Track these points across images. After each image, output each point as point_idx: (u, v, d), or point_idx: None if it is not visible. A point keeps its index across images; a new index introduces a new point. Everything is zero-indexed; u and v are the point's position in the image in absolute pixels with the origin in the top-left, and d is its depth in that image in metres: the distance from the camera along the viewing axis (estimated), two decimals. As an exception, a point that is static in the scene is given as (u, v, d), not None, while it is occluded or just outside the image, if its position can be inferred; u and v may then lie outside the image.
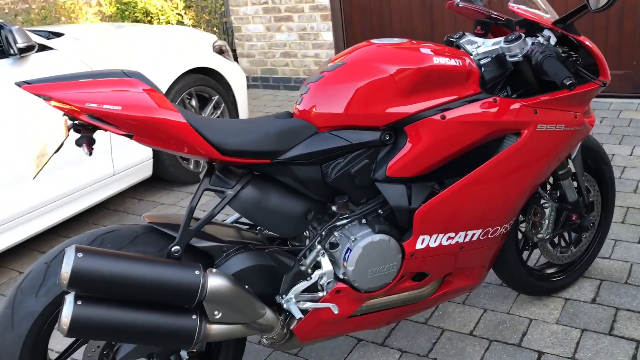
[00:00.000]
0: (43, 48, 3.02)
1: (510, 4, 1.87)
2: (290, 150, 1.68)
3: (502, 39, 1.87)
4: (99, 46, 3.31)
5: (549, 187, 2.21)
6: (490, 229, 1.91)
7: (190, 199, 1.63)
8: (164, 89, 3.56)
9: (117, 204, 3.75)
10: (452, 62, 1.75)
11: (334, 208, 1.78)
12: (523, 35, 1.83)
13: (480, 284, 2.08)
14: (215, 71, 3.98)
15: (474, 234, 1.89)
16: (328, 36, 5.63)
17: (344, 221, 1.78)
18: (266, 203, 1.69)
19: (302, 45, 5.82)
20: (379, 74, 1.70)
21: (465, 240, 1.89)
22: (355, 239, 1.75)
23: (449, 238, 1.85)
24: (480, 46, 1.93)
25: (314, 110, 1.72)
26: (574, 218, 2.21)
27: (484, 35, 2.10)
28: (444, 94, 1.75)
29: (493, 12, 2.08)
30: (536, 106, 1.83)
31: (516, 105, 1.81)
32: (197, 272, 1.52)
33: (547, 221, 2.14)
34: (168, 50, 3.63)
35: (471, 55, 1.90)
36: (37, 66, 2.93)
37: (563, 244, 2.33)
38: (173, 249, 1.59)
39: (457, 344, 2.17)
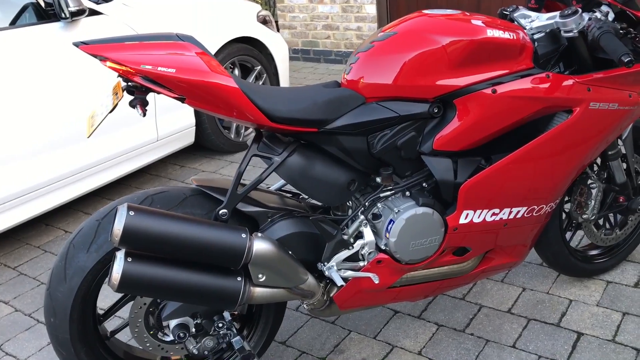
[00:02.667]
0: (93, 13, 3.06)
1: (570, -22, 1.82)
2: (337, 119, 1.69)
3: (557, 13, 1.82)
4: (147, 13, 3.34)
5: (596, 167, 2.17)
6: (536, 207, 1.89)
7: (239, 164, 1.65)
8: (208, 57, 3.58)
9: (160, 169, 3.82)
10: (506, 35, 1.72)
11: (378, 179, 1.78)
12: (580, 10, 1.78)
13: (521, 262, 2.06)
14: (259, 41, 3.98)
15: (518, 211, 1.87)
16: (371, 9, 5.57)
17: (388, 193, 1.78)
18: (311, 171, 1.70)
19: (344, 17, 5.77)
20: (431, 45, 1.68)
21: (510, 217, 1.87)
22: (398, 210, 1.75)
23: (493, 214, 1.84)
24: (534, 20, 1.89)
25: (362, 80, 1.71)
26: (621, 200, 2.17)
27: (538, 10, 2.05)
28: (496, 68, 1.72)
29: (549, -14, 2.03)
30: (589, 83, 1.79)
31: (569, 82, 1.77)
32: (243, 235, 1.55)
33: (593, 202, 2.10)
34: (213, 19, 3.64)
35: (525, 29, 1.86)
36: (87, 30, 2.98)
37: (608, 226, 2.29)
38: (221, 211, 1.62)
39: (494, 320, 2.17)
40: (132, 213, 1.44)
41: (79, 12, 2.80)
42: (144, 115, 1.50)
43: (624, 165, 2.17)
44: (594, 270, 2.30)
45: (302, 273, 1.68)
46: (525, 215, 1.89)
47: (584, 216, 2.13)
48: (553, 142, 1.79)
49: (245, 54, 3.87)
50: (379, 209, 1.79)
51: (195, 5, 3.62)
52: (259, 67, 3.98)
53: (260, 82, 4.03)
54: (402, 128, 1.73)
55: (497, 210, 1.84)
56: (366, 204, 1.78)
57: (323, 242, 1.75)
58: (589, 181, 2.10)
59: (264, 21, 4.08)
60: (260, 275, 1.60)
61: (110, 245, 1.59)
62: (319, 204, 1.85)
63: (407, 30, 1.72)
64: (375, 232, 1.80)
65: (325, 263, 1.75)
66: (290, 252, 1.68)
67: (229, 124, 3.86)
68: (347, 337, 2.16)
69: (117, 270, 1.46)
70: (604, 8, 1.84)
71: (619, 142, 2.09)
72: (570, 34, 1.77)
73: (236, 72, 3.85)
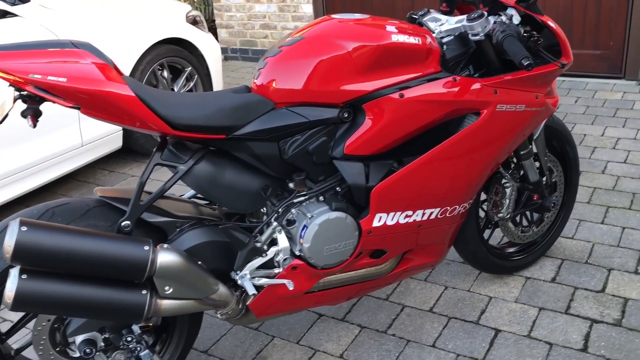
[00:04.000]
0: (5, 14, 2.94)
1: (473, -18, 1.85)
2: (246, 125, 1.66)
3: (465, 16, 1.85)
4: (68, 15, 3.23)
5: (512, 166, 2.21)
6: (449, 207, 1.92)
7: (141, 174, 1.60)
8: (134, 60, 3.50)
9: (88, 175, 3.71)
10: (412, 39, 1.73)
11: (291, 185, 1.77)
12: (485, 13, 1.81)
13: (441, 261, 2.09)
14: (189, 42, 3.91)
15: (431, 213, 1.89)
16: (308, 8, 5.55)
17: (301, 198, 1.77)
18: (221, 179, 1.67)
19: (281, 17, 5.74)
20: (337, 51, 1.68)
21: (423, 219, 1.89)
22: (311, 216, 1.74)
23: (407, 216, 1.86)
24: (444, 24, 1.91)
25: (271, 85, 1.70)
26: (535, 198, 2.23)
27: (449, 13, 2.08)
28: (402, 72, 1.73)
29: (459, -11, 2.05)
30: (496, 86, 1.82)
31: (476, 85, 1.80)
32: (146, 248, 1.51)
33: (507, 201, 2.15)
34: (139, 20, 3.56)
35: (433, 33, 1.88)
36: (4, 32, 2.86)
37: (525, 223, 2.35)
38: (123, 223, 1.58)
39: (416, 320, 2.19)
40: (24, 228, 1.39)
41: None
42: (34, 126, 1.44)
43: (538, 164, 2.23)
44: (513, 267, 2.35)
45: (212, 283, 1.65)
46: (438, 216, 1.92)
47: (500, 215, 2.17)
48: (462, 144, 1.82)
49: (175, 55, 3.80)
50: (293, 215, 1.78)
51: (121, 7, 3.53)
52: (190, 68, 3.91)
53: (192, 84, 3.97)
54: (313, 133, 1.73)
55: (410, 212, 1.85)
56: (279, 210, 1.76)
57: (235, 251, 1.73)
58: (503, 181, 2.14)
59: (194, 22, 4.01)
60: (166, 288, 1.57)
61: (5, 262, 1.52)
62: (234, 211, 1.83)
63: (314, 36, 1.72)
64: (290, 238, 1.78)
65: (238, 272, 1.73)
66: (199, 263, 1.65)
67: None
68: (270, 343, 2.14)
69: (10, 289, 1.40)
70: (510, 11, 1.87)
71: (531, 142, 2.14)
72: (477, 37, 1.80)
73: (165, 73, 3.77)
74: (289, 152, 1.72)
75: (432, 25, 1.93)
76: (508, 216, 2.17)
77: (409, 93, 1.73)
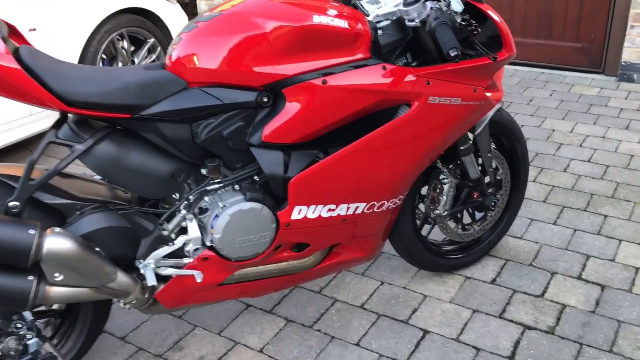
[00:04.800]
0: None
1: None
2: (154, 105, 1.56)
3: (401, 0, 1.74)
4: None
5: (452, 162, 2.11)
6: (376, 202, 1.82)
7: (33, 152, 1.50)
8: (90, 29, 3.36)
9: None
10: (337, 22, 1.61)
11: (204, 171, 1.67)
12: (422, -2, 1.69)
13: (374, 256, 2.00)
14: (153, 13, 3.77)
15: (357, 207, 1.80)
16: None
17: (215, 186, 1.67)
18: (125, 161, 1.57)
19: (261, -9, 5.57)
20: (255, 30, 1.56)
21: (348, 213, 1.80)
22: (224, 205, 1.65)
23: (330, 210, 1.76)
24: (382, 7, 1.79)
25: (184, 63, 1.58)
26: (475, 196, 2.13)
27: (392, -5, 1.96)
28: (326, 57, 1.62)
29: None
30: (429, 77, 1.71)
31: (407, 75, 1.69)
32: (31, 231, 1.41)
33: (445, 197, 2.05)
34: (98, -14, 3.42)
35: (368, 16, 1.76)
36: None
37: (467, 221, 2.26)
38: (10, 204, 1.47)
39: (345, 316, 2.11)
40: None
41: None
42: None
43: (480, 161, 2.13)
44: (451, 265, 2.26)
45: (109, 271, 1.56)
46: (365, 211, 1.82)
47: (436, 212, 2.08)
48: (390, 137, 1.72)
49: (136, 25, 3.66)
50: (206, 203, 1.68)
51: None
52: (152, 39, 3.78)
53: (154, 56, 3.84)
54: (229, 117, 1.62)
55: (333, 206, 1.76)
56: (190, 197, 1.66)
57: (140, 238, 1.63)
58: (442, 176, 2.04)
59: (161, -9, 3.86)
60: (56, 275, 1.47)
61: None
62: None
63: (232, 13, 1.60)
64: (202, 227, 1.69)
65: (142, 260, 1.64)
66: (97, 249, 1.55)
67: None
68: (191, 332, 2.06)
69: None
70: (452, -3, 1.75)
71: (472, 137, 2.04)
72: (413, 24, 1.69)
73: (125, 44, 3.64)
74: (202, 136, 1.61)
75: (369, 7, 1.81)
76: (445, 213, 2.08)
77: (332, 80, 1.62)
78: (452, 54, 1.52)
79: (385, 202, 1.83)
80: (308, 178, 1.67)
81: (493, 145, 2.16)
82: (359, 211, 1.81)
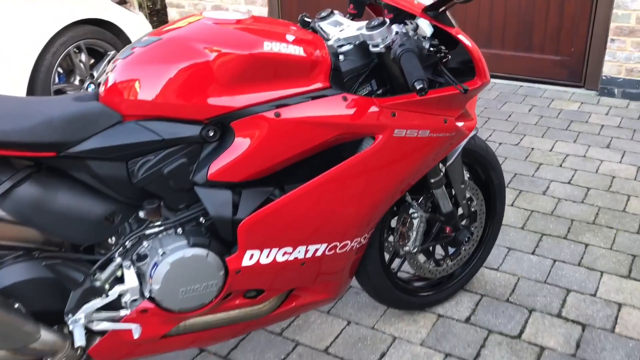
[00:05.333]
0: None
1: (372, -17, 1.56)
2: (83, 141, 1.38)
3: (365, 23, 1.58)
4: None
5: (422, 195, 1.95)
6: (338, 243, 1.65)
7: None
8: (43, 41, 3.16)
9: None
10: (291, 49, 1.45)
11: (142, 214, 1.49)
12: (388, 21, 1.53)
13: (337, 297, 1.83)
14: (114, 24, 3.58)
15: (317, 249, 1.63)
16: (261, -8, 5.23)
17: (156, 230, 1.50)
18: (49, 205, 1.39)
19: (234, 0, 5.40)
20: (197, 58, 1.39)
21: (307, 256, 1.63)
22: (164, 252, 1.47)
23: (286, 253, 1.59)
24: (344, 30, 1.63)
25: (118, 94, 1.41)
26: (447, 230, 1.97)
27: (357, 16, 1.80)
28: (279, 87, 1.45)
29: (370, -12, 1.77)
30: (394, 108, 1.55)
31: (370, 106, 1.53)
32: None
33: (414, 233, 1.89)
34: (52, -4, 3.22)
35: (328, 41, 1.60)
36: None
37: (440, 255, 2.10)
38: None
39: (307, 362, 1.94)
40: None
41: None
42: None
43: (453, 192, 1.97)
44: (423, 303, 2.10)
45: (31, 331, 1.37)
46: (327, 252, 1.65)
47: (406, 248, 1.92)
48: (352, 173, 1.55)
49: (96, 37, 3.47)
50: (145, 249, 1.50)
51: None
52: (113, 52, 3.58)
53: (116, 69, 3.64)
54: (170, 153, 1.44)
55: (289, 249, 1.59)
56: (127, 243, 1.48)
57: (69, 290, 1.45)
58: (411, 210, 1.88)
59: (122, 1, 3.67)
60: (-36, 338, 1.29)
61: None
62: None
63: (172, 38, 1.43)
64: (142, 275, 1.51)
65: (71, 315, 1.45)
66: (17, 305, 1.37)
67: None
68: (137, 382, 1.87)
69: None
70: (421, 21, 1.59)
71: (443, 169, 1.88)
72: (377, 49, 1.53)
73: (83, 57, 3.44)
74: (139, 175, 1.43)
75: (331, 30, 1.65)
76: (415, 250, 1.91)
77: (286, 112, 1.45)
78: (417, 86, 1.36)
79: (349, 241, 1.67)
80: (260, 220, 1.50)
81: (467, 175, 2.01)
82: (319, 253, 1.64)
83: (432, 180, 1.84)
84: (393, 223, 1.95)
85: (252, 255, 1.54)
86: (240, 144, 1.45)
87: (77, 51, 3.40)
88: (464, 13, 4.43)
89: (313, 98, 1.48)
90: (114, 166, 1.42)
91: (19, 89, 3.10)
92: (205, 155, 1.47)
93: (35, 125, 1.32)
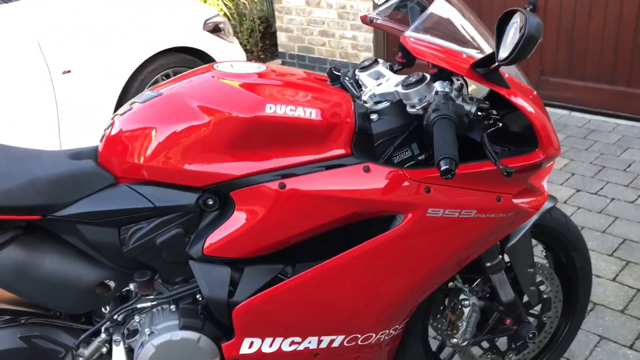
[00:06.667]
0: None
1: (407, 33, 1.30)
2: (72, 204, 1.26)
3: (404, 77, 1.33)
4: (58, 9, 2.96)
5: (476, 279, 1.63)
6: (360, 335, 1.40)
7: None
8: (130, 70, 3.19)
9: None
10: (301, 112, 1.23)
11: (131, 286, 1.34)
12: (428, 77, 1.27)
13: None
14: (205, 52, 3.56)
15: (332, 340, 1.39)
16: (367, 18, 5.03)
17: (147, 304, 1.34)
18: (35, 271, 1.28)
19: (340, 24, 5.26)
20: (193, 119, 1.23)
21: (321, 347, 1.40)
22: (152, 332, 1.31)
23: (293, 343, 1.37)
24: (382, 84, 1.39)
25: (113, 153, 1.28)
26: (507, 322, 1.64)
27: (407, 65, 1.55)
28: (285, 154, 1.24)
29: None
30: (429, 182, 1.28)
31: (398, 179, 1.27)
32: None
33: (464, 323, 1.58)
34: (142, 24, 3.24)
35: (360, 96, 1.37)
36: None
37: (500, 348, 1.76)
38: None
39: None
40: None
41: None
42: None
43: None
44: (480, 401, 1.77)
45: None
46: (345, 344, 1.41)
47: (454, 340, 1.61)
48: (374, 256, 1.31)
49: (185, 65, 3.46)
50: (137, 323, 1.35)
51: (123, 5, 3.22)
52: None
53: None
54: (163, 222, 1.29)
55: (297, 339, 1.36)
56: (115, 317, 1.34)
57: (50, 364, 1.33)
58: (462, 296, 1.58)
59: (217, 29, 3.65)
60: None
61: None
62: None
63: (170, 95, 1.28)
64: (131, 352, 1.36)
65: (49, 392, 1.33)
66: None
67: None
68: None
69: None
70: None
71: (503, 250, 1.55)
72: (414, 110, 1.28)
73: (170, 85, 3.44)
74: (130, 243, 1.29)
75: (369, 83, 1.41)
76: (464, 343, 1.60)
77: (293, 183, 1.24)
78: (442, 166, 1.09)
79: (374, 334, 1.41)
80: (259, 305, 1.30)
81: (543, 254, 1.66)
82: (336, 344, 1.40)
83: (488, 265, 1.52)
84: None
85: (251, 343, 1.34)
86: (240, 217, 1.26)
87: (164, 79, 3.41)
88: (584, 43, 3.95)
89: (328, 167, 1.26)
90: (104, 232, 1.29)
91: (106, 114, 3.14)
92: (202, 227, 1.30)
93: (18, 186, 1.22)
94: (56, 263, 1.30)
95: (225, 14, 3.70)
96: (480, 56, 1.28)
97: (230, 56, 3.70)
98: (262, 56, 6.11)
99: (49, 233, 1.31)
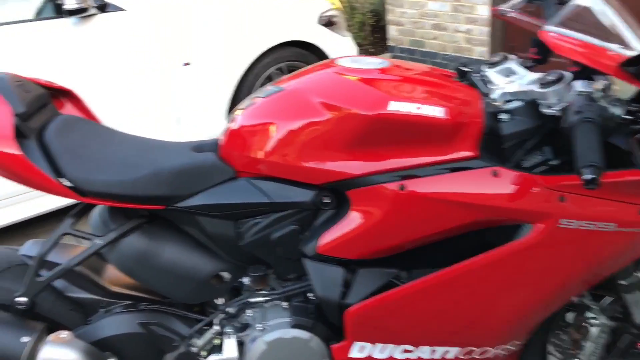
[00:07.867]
0: (104, 7, 2.83)
1: (547, 27, 1.20)
2: (192, 196, 1.28)
3: (541, 75, 1.23)
4: (177, 8, 3.06)
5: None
6: (476, 349, 1.33)
7: (44, 243, 1.30)
8: (246, 63, 3.25)
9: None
10: (426, 110, 1.17)
11: (246, 281, 1.35)
12: (568, 75, 1.17)
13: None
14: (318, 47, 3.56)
15: (447, 352, 1.32)
16: (484, 10, 4.84)
17: (260, 299, 1.34)
18: (154, 260, 1.31)
19: (454, 17, 5.09)
20: (314, 115, 1.20)
21: (435, 357, 1.33)
22: (263, 328, 1.31)
23: (406, 351, 1.31)
24: (514, 82, 1.29)
25: (233, 148, 1.28)
26: (639, 347, 1.49)
27: (541, 62, 1.43)
28: (407, 154, 1.19)
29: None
30: (565, 190, 1.18)
31: (529, 185, 1.18)
32: (24, 339, 1.22)
33: (590, 344, 1.45)
34: (258, 18, 3.28)
35: (490, 95, 1.28)
36: (100, 29, 2.79)
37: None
38: (18, 299, 1.29)
39: None
40: None
41: (79, 11, 2.60)
42: None
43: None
44: None
45: None
46: (461, 356, 1.34)
47: (577, 360, 1.49)
48: (497, 267, 1.23)
49: (297, 59, 3.47)
50: (249, 318, 1.36)
51: (236, 3, 3.28)
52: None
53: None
54: (280, 218, 1.28)
55: (410, 347, 1.31)
56: (229, 310, 1.35)
57: (163, 351, 1.37)
58: (589, 314, 1.45)
59: (329, 22, 3.64)
60: (53, 390, 1.26)
61: None
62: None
63: (292, 91, 1.26)
64: (241, 345, 1.36)
65: (163, 380, 1.36)
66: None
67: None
68: None
69: None
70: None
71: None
72: (550, 111, 1.18)
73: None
74: (246, 237, 1.29)
75: (499, 80, 1.32)
76: (591, 365, 1.48)
77: (414, 185, 1.18)
78: (585, 176, 0.98)
79: (491, 349, 1.33)
80: (373, 309, 1.25)
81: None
82: (450, 356, 1.33)
83: (621, 283, 1.39)
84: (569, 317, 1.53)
85: (362, 348, 1.30)
86: (356, 217, 1.22)
87: (278, 72, 3.44)
88: None
89: (452, 170, 1.19)
90: (222, 225, 1.30)
91: (222, 107, 3.23)
92: (317, 225, 1.28)
93: (141, 178, 1.25)
94: (175, 252, 1.32)
95: (337, 8, 3.68)
96: (629, 53, 1.15)
97: (343, 51, 3.67)
98: (371, 50, 6.05)
99: (169, 223, 1.34)
